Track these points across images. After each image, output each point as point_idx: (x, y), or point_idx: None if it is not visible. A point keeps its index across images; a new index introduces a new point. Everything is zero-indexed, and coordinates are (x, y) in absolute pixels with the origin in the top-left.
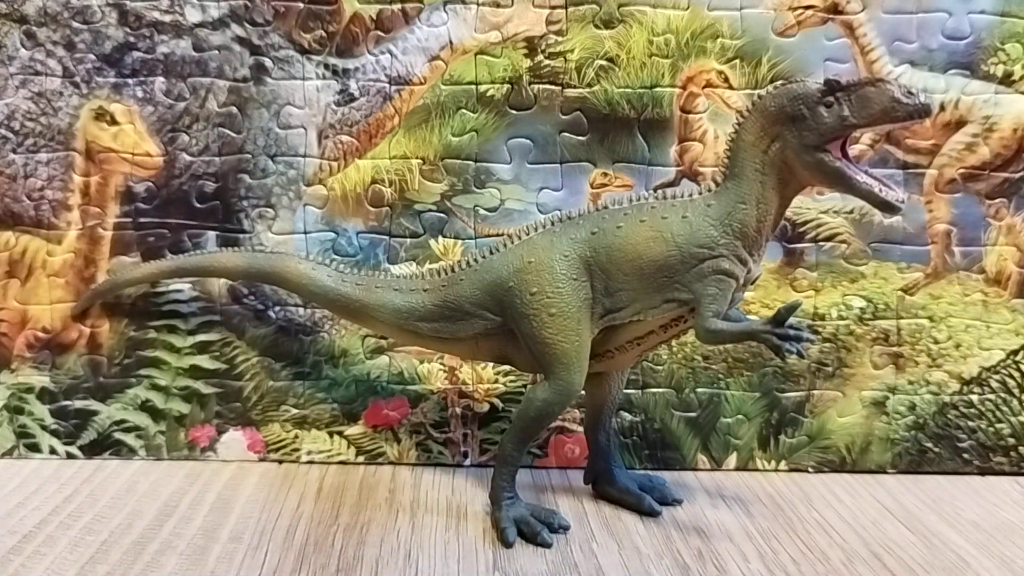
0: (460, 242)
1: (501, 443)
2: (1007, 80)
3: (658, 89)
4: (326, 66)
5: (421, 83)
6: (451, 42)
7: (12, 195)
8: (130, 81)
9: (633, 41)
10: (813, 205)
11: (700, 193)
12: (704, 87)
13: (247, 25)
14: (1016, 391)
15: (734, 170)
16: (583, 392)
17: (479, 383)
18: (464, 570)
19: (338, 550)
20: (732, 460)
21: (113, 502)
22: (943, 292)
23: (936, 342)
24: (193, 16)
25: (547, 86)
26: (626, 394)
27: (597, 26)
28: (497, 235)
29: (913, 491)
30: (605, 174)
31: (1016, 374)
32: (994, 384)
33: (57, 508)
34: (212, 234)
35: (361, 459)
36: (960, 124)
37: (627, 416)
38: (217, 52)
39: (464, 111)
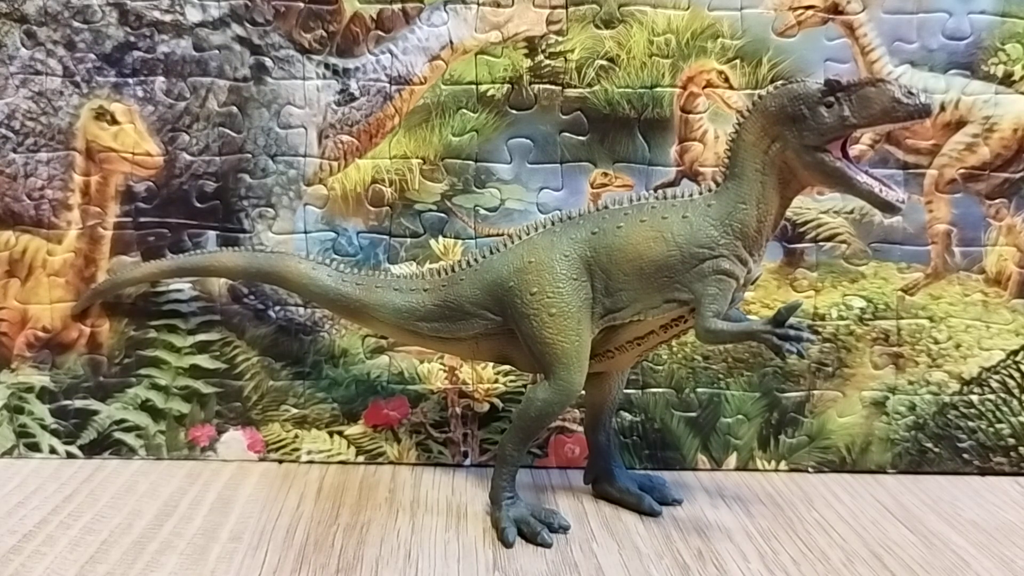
0: (460, 242)
1: (501, 443)
2: (1007, 80)
3: (658, 89)
4: (326, 66)
5: (421, 83)
6: (451, 42)
7: (12, 194)
8: (130, 81)
9: (633, 41)
10: (813, 205)
11: (700, 193)
12: (704, 87)
13: (247, 25)
14: (1016, 391)
15: (734, 170)
16: (583, 392)
17: (479, 383)
18: (464, 570)
19: (338, 550)
20: (732, 460)
21: (113, 502)
22: (943, 292)
23: (936, 342)
24: (193, 16)
25: (547, 86)
26: (626, 394)
27: (597, 26)
28: (497, 235)
29: (913, 491)
30: (605, 174)
31: (1016, 374)
32: (994, 384)
33: (57, 508)
34: (212, 234)
35: (361, 459)
36: (960, 124)
37: (627, 416)
38: (217, 52)
39: (464, 111)
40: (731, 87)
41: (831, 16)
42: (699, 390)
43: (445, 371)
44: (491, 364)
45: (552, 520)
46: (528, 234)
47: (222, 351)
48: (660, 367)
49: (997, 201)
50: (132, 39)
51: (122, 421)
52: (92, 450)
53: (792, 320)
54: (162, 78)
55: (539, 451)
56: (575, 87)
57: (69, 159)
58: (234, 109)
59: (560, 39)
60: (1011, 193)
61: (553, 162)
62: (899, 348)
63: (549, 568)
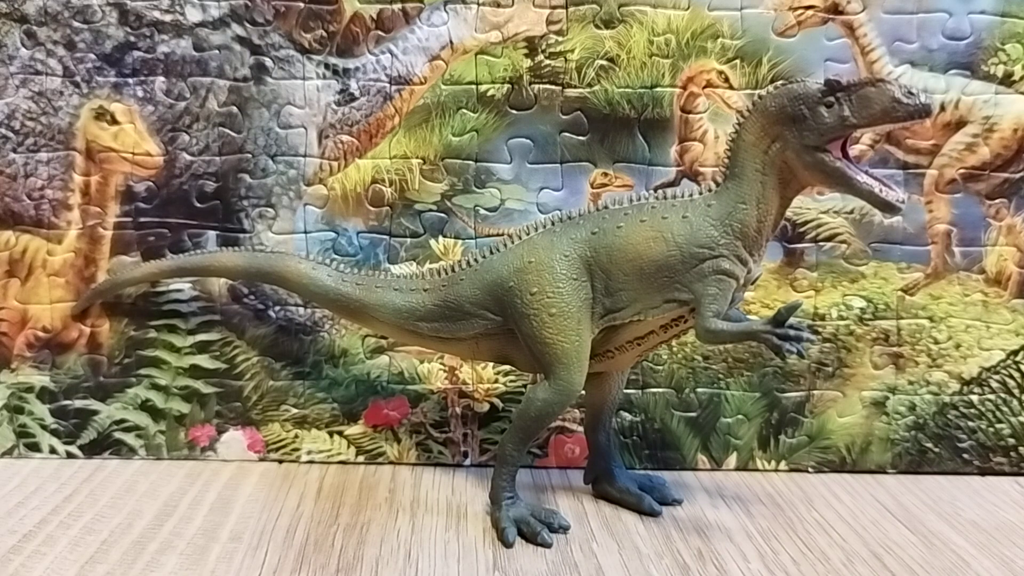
0: (460, 242)
1: (501, 443)
2: (1007, 80)
3: (658, 89)
4: (326, 66)
5: (421, 83)
6: (451, 42)
7: (12, 194)
8: (130, 81)
9: (633, 41)
10: (813, 205)
11: (700, 193)
12: (704, 87)
13: (247, 25)
14: (1016, 391)
15: (734, 170)
16: (583, 392)
17: (479, 383)
18: (464, 570)
19: (338, 550)
20: (732, 460)
21: (113, 502)
22: (943, 292)
23: (936, 342)
24: (193, 16)
25: (547, 86)
26: (626, 394)
27: (597, 26)
28: (497, 235)
29: (913, 491)
30: (605, 174)
31: (1016, 374)
32: (994, 384)
33: (57, 508)
34: (212, 234)
35: (361, 459)
36: (960, 124)
37: (627, 416)
38: (217, 52)
39: (464, 111)
40: (731, 87)
41: (831, 16)
42: (699, 390)
43: (445, 371)
44: (491, 364)
45: (552, 520)
46: (528, 234)
47: (222, 351)
48: (660, 367)
49: (997, 201)
50: (132, 39)
51: (122, 421)
52: (92, 450)
53: (792, 320)
54: (162, 78)
55: (539, 451)
56: (575, 87)
57: (69, 159)
58: (234, 109)
59: (560, 39)
60: (1011, 193)
61: (553, 162)
62: (899, 348)
63: (549, 568)
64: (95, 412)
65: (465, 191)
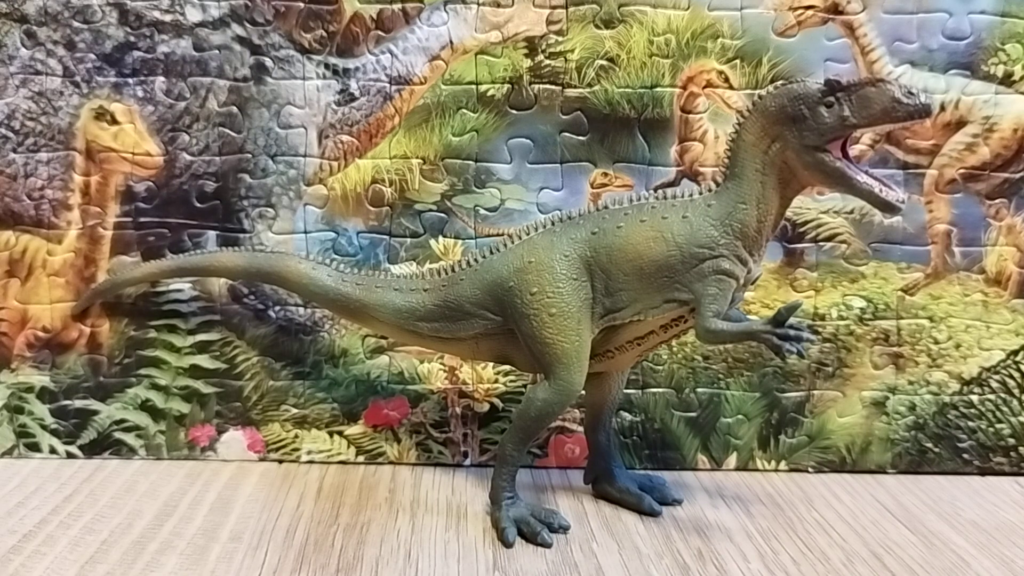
0: (460, 242)
1: (501, 443)
2: (1007, 80)
3: (658, 89)
4: (326, 66)
5: (421, 83)
6: (451, 42)
7: (12, 194)
8: (130, 81)
9: (633, 41)
10: (813, 205)
11: (700, 193)
12: (704, 87)
13: (247, 25)
14: (1016, 391)
15: (734, 170)
16: (583, 392)
17: (479, 383)
18: (464, 570)
19: (338, 550)
20: (732, 460)
21: (113, 502)
22: (943, 292)
23: (936, 342)
24: (193, 16)
25: (547, 86)
26: (626, 394)
27: (597, 26)
28: (497, 235)
29: (913, 491)
30: (605, 174)
31: (1016, 374)
32: (994, 384)
33: (57, 508)
34: (212, 234)
35: (361, 459)
36: (960, 124)
37: (627, 416)
38: (217, 52)
39: (464, 111)
40: (731, 87)
41: (831, 16)
42: (699, 390)
43: (445, 371)
44: (491, 364)
45: (552, 520)
46: (528, 234)
47: (222, 351)
48: (660, 367)
49: (997, 201)
50: (132, 39)
51: (122, 421)
52: (92, 450)
53: (792, 320)
54: (162, 78)
55: (539, 451)
56: (575, 87)
57: (69, 159)
58: (234, 109)
59: (560, 39)
60: (1011, 193)
61: (553, 162)
62: (899, 348)
63: (549, 568)
64: (95, 412)
65: (465, 191)
